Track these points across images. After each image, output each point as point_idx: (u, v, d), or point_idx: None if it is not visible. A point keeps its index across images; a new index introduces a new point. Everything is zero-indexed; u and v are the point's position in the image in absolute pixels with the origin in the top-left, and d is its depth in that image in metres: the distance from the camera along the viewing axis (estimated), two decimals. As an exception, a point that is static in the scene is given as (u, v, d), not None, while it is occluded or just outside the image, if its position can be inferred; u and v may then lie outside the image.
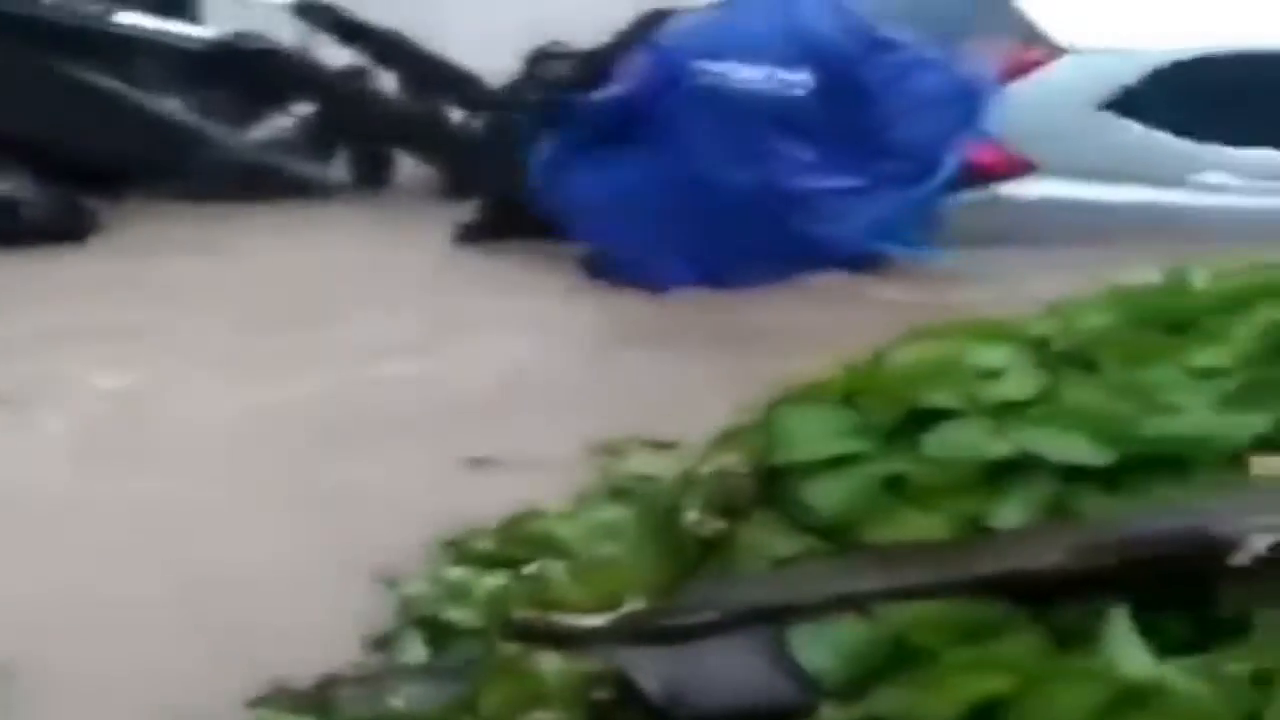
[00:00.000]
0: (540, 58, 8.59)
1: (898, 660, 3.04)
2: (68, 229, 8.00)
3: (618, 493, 4.59)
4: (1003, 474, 3.48)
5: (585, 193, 7.35)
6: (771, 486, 3.73)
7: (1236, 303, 3.89)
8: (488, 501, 4.52)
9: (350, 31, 9.15)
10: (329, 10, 9.22)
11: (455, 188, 8.47)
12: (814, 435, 3.76)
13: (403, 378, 5.94)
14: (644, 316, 6.78)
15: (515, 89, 8.60)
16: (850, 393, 3.92)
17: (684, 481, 4.04)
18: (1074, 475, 3.42)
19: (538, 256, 7.42)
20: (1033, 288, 5.69)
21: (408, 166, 8.89)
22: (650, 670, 3.10)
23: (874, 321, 5.91)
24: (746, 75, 7.34)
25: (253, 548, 4.48)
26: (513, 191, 7.74)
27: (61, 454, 5.30)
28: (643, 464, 4.80)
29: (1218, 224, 6.76)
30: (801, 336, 6.10)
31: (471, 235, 7.79)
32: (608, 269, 7.18)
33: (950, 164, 7.10)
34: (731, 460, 3.91)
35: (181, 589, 4.22)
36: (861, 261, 7.10)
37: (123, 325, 6.55)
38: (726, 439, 4.17)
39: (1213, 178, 7.15)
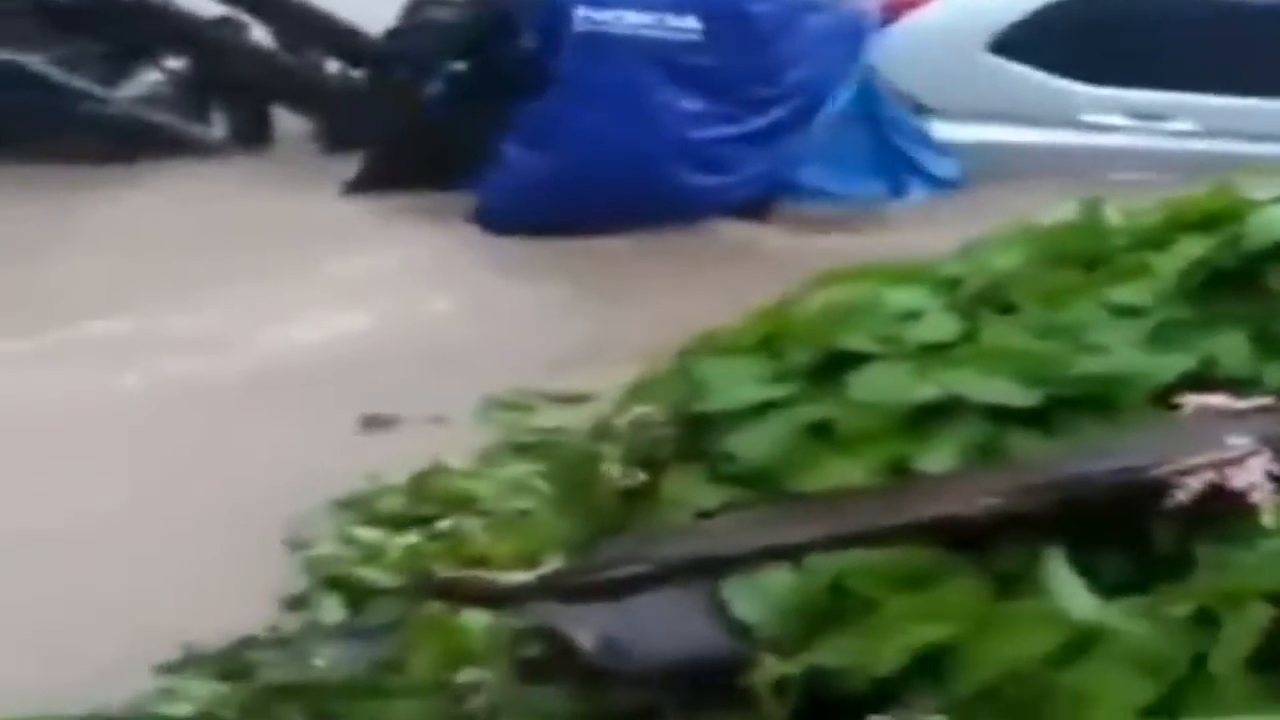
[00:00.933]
0: (419, 6, 8.44)
1: (835, 610, 2.98)
2: None
3: (523, 448, 4.52)
4: (928, 417, 3.44)
5: (479, 141, 7.26)
6: (692, 437, 3.67)
7: (1153, 239, 3.87)
8: (389, 460, 4.43)
9: None
10: None
11: (336, 141, 8.32)
12: (734, 383, 3.70)
13: (296, 336, 5.82)
14: (538, 266, 6.69)
15: (394, 39, 8.45)
16: (767, 339, 3.86)
17: (599, 434, 3.98)
18: (1001, 417, 3.39)
19: (426, 206, 7.30)
20: (935, 229, 5.71)
21: (286, 121, 8.71)
22: (583, 625, 3.03)
23: (774, 268, 5.88)
24: (633, 21, 7.26)
25: (157, 513, 4.36)
26: (398, 141, 7.62)
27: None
28: (547, 418, 4.74)
29: (1106, 164, 6.76)
30: (701, 285, 6.06)
31: (360, 186, 7.65)
32: (499, 218, 7.07)
33: (836, 102, 7.07)
34: (648, 411, 3.85)
35: (88, 556, 4.10)
36: (755, 208, 7.03)
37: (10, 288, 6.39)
38: (639, 390, 4.11)
39: (1100, 118, 7.15)
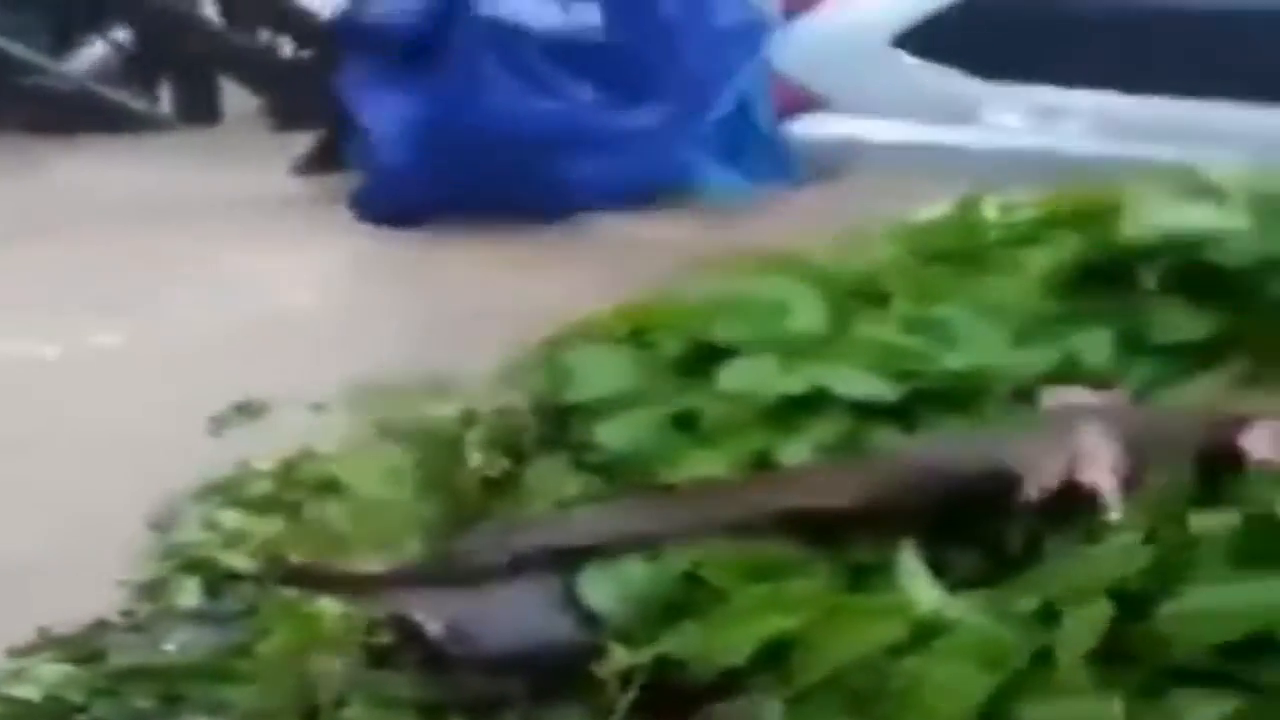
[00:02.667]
0: None
1: (687, 601, 3.03)
2: None
3: (392, 434, 4.54)
4: (793, 410, 3.49)
5: (372, 121, 7.26)
6: (557, 427, 3.70)
7: (1027, 236, 3.93)
8: (258, 447, 4.44)
9: None
10: None
11: (286, 118, 8.29)
12: (601, 373, 3.73)
13: (174, 319, 5.82)
14: (418, 254, 6.70)
15: (345, 19, 8.38)
16: (637, 329, 3.90)
17: (464, 421, 4.01)
18: (865, 411, 3.44)
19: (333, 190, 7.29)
20: (821, 223, 5.74)
21: (236, 98, 8.66)
22: (433, 612, 3.06)
23: (655, 259, 5.91)
24: (535, 10, 7.27)
25: (14, 494, 4.35)
26: (345, 122, 7.61)
27: None
28: (417, 405, 4.76)
29: (1006, 163, 6.85)
30: (580, 274, 6.09)
31: (308, 167, 7.62)
32: (383, 201, 7.07)
33: (733, 96, 7.11)
34: (513, 400, 3.88)
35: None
36: (644, 199, 7.07)
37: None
38: (505, 378, 4.14)
39: (1002, 117, 7.21)
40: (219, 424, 4.81)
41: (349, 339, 5.59)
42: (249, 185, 7.49)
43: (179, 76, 8.82)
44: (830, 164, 7.07)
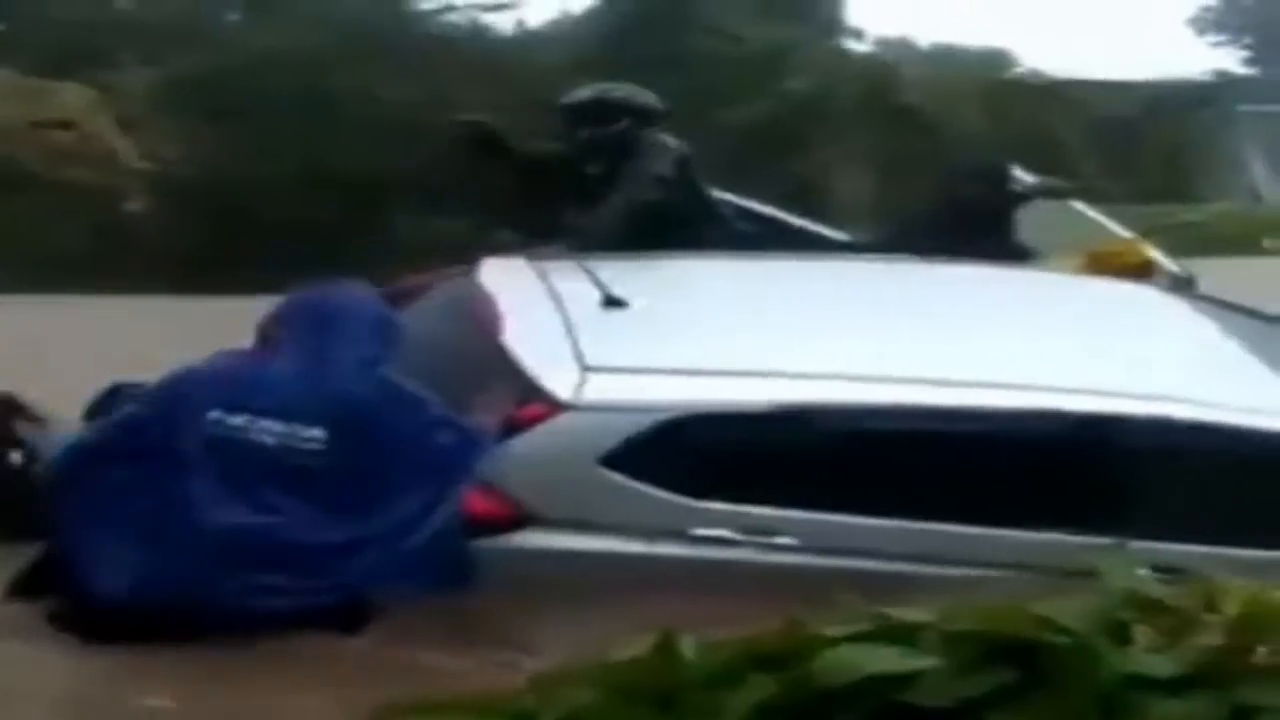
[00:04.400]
0: (110, 395, 7.82)
1: None
2: None
3: None
4: None
5: (80, 536, 6.72)
6: None
7: (725, 677, 3.60)
8: None
9: None
10: None
11: (17, 533, 7.60)
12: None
13: None
14: (112, 678, 6.13)
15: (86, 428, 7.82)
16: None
17: None
18: None
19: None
20: (532, 643, 5.37)
21: None
22: None
23: (359, 685, 5.46)
24: (262, 427, 6.88)
25: None
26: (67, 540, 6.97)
27: None
28: None
29: (717, 578, 6.58)
30: (272, 704, 5.61)
31: (26, 588, 6.84)
32: (86, 621, 6.50)
33: (441, 514, 6.75)
34: None
35: None
36: (348, 617, 6.61)
37: None
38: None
39: (710, 532, 6.90)
40: None
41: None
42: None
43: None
44: (543, 579, 6.67)
